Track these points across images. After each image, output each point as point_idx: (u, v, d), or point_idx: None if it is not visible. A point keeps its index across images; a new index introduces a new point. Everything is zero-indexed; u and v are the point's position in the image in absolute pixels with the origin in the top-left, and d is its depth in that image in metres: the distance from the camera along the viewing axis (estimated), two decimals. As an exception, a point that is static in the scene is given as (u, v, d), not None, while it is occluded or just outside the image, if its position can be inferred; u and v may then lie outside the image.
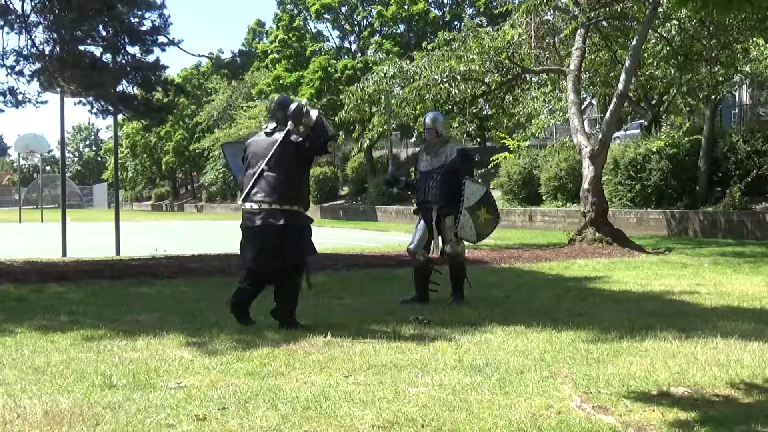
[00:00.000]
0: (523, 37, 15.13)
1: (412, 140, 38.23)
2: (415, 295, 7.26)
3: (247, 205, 5.87)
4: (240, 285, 6.00)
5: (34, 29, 11.29)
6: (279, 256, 5.81)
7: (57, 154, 65.59)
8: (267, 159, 5.81)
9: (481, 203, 7.02)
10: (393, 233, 20.61)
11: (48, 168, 68.55)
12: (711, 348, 4.92)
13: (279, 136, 5.90)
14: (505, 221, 22.88)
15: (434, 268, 7.28)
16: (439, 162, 7.18)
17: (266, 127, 6.05)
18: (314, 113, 6.00)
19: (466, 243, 7.27)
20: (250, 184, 5.84)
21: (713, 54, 15.14)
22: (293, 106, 5.96)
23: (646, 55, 15.92)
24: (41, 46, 11.32)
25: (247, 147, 6.10)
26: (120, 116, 14.28)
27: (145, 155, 59.58)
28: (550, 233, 18.53)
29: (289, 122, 5.90)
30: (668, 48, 15.58)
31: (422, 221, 7.23)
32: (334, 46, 37.02)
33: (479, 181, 7.72)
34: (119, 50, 11.47)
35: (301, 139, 5.89)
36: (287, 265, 5.86)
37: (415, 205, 7.52)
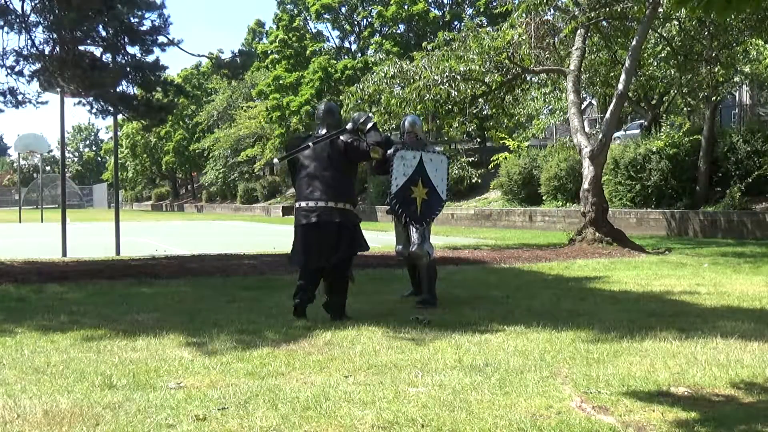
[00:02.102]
0: (523, 37, 15.12)
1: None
2: (413, 289, 7.50)
3: (304, 204, 6.19)
4: (299, 284, 6.24)
5: (34, 29, 11.30)
6: (334, 252, 6.13)
7: (57, 154, 65.66)
8: (322, 160, 6.18)
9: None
10: (393, 233, 20.56)
11: (48, 168, 68.56)
12: (711, 348, 4.92)
13: (338, 139, 6.27)
14: (505, 221, 22.91)
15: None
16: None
17: (317, 132, 6.38)
18: (370, 123, 6.43)
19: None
20: (306, 184, 6.19)
21: (713, 54, 15.14)
22: (357, 115, 6.48)
23: (646, 55, 15.93)
24: (41, 46, 11.32)
25: (297, 151, 6.41)
26: (120, 116, 14.27)
27: (145, 155, 59.62)
28: (550, 233, 18.53)
29: (349, 124, 6.32)
30: (668, 48, 15.59)
31: (396, 222, 7.47)
32: (334, 46, 37.06)
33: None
34: (119, 50, 11.46)
35: (350, 141, 6.22)
36: (341, 260, 6.18)
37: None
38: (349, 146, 6.21)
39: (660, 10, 13.45)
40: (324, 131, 6.32)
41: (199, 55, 38.67)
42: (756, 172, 16.20)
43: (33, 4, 11.17)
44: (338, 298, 6.23)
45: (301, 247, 6.26)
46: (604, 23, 15.15)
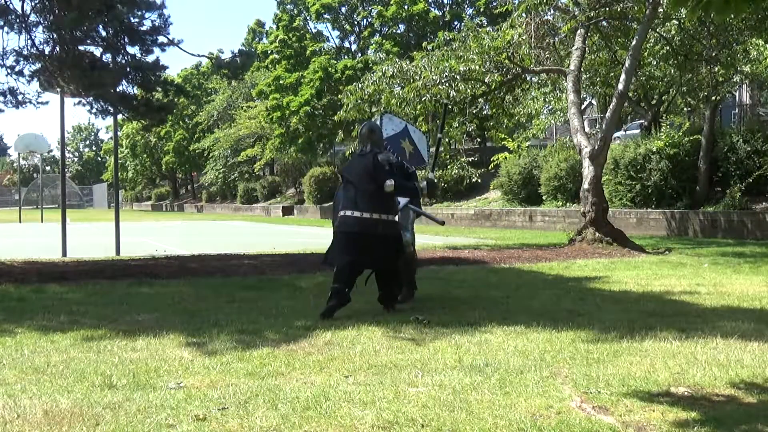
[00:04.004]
0: (523, 37, 15.12)
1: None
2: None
3: (357, 214, 6.59)
4: (335, 287, 6.50)
5: (34, 29, 11.29)
6: (383, 258, 6.62)
7: (57, 154, 65.65)
8: (369, 176, 6.63)
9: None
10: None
11: (48, 168, 68.57)
12: (711, 348, 4.92)
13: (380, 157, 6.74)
14: (505, 221, 22.92)
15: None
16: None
17: (362, 150, 6.79)
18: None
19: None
20: (354, 197, 6.61)
21: (713, 54, 15.14)
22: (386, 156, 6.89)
23: (646, 54, 15.92)
24: (41, 46, 11.32)
25: (347, 165, 7.05)
26: (120, 116, 14.27)
27: (145, 155, 59.62)
28: (550, 233, 18.53)
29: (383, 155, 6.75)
30: (668, 48, 15.57)
31: None
32: (334, 46, 37.04)
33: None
34: (119, 50, 11.46)
35: (381, 163, 6.68)
36: (391, 264, 6.70)
37: None
38: (378, 167, 6.66)
39: (660, 9, 13.45)
40: (369, 148, 6.76)
41: (199, 55, 38.73)
42: (756, 172, 16.20)
43: (33, 4, 11.17)
44: (394, 290, 6.80)
45: (346, 252, 6.61)
46: (604, 23, 15.15)
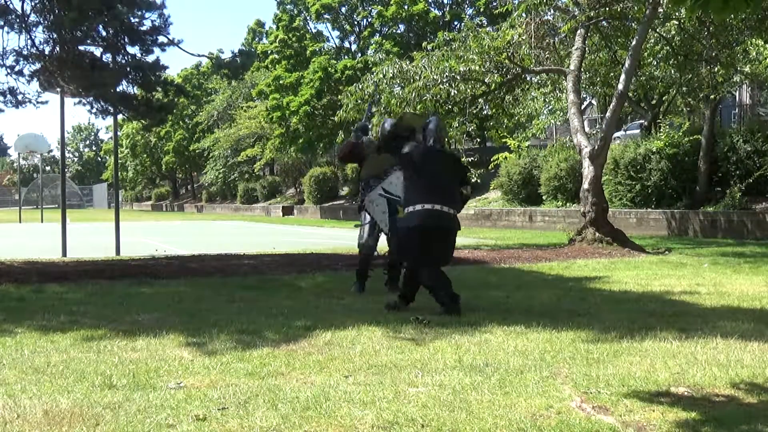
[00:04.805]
0: (523, 37, 15.12)
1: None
2: (359, 283, 7.98)
3: (437, 207, 6.46)
4: (444, 283, 6.47)
5: (34, 29, 11.29)
6: (451, 253, 6.72)
7: (57, 154, 65.62)
8: (454, 172, 6.71)
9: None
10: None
11: (48, 168, 68.55)
12: (711, 348, 4.92)
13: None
14: (505, 221, 22.92)
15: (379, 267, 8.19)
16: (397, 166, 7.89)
17: (433, 144, 6.72)
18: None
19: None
20: (434, 190, 6.49)
21: (713, 54, 15.13)
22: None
23: (646, 55, 15.91)
24: (41, 46, 11.31)
25: (419, 156, 6.65)
26: (120, 116, 14.27)
27: (145, 155, 59.61)
28: (550, 233, 18.53)
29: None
30: (668, 48, 15.57)
31: (365, 215, 7.96)
32: (334, 46, 37.03)
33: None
34: (119, 50, 11.46)
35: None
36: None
37: (364, 203, 8.04)
38: (464, 166, 7.10)
39: (660, 10, 13.45)
40: (438, 144, 6.73)
41: (199, 55, 38.84)
42: (756, 172, 16.20)
43: (33, 4, 11.17)
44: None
45: (424, 247, 6.53)
46: (604, 23, 15.14)
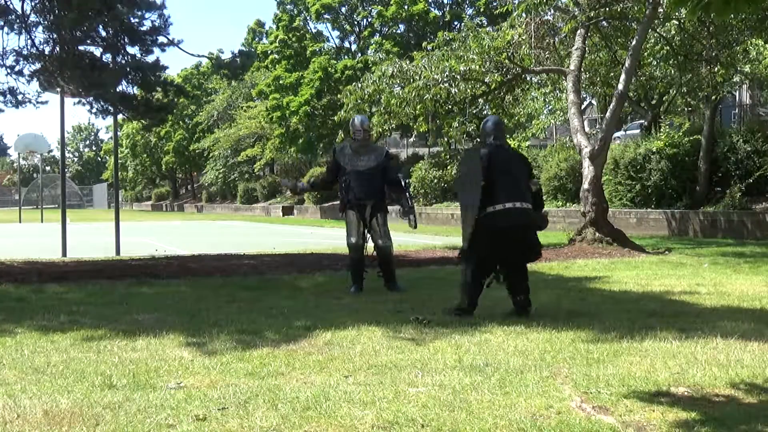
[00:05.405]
0: (523, 37, 15.12)
1: (412, 140, 38.27)
2: (357, 285, 8.01)
3: (518, 204, 6.39)
4: (483, 283, 6.48)
5: (34, 29, 11.29)
6: (531, 250, 6.61)
7: (57, 154, 65.55)
8: (520, 170, 6.63)
9: None
10: (392, 233, 20.55)
11: (48, 168, 68.56)
12: (711, 348, 4.92)
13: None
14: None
15: (370, 267, 8.14)
16: (374, 161, 8.00)
17: (499, 143, 6.66)
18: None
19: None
20: (512, 188, 6.40)
21: (713, 54, 15.13)
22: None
23: (646, 55, 15.91)
24: (41, 46, 11.32)
25: (490, 156, 6.48)
26: (120, 116, 14.28)
27: (145, 155, 59.56)
28: (550, 233, 18.44)
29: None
30: (668, 48, 15.57)
31: (355, 216, 8.01)
32: (334, 46, 37.03)
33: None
34: (119, 50, 11.46)
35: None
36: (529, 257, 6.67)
37: (346, 202, 8.10)
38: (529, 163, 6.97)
39: (660, 10, 13.45)
40: (496, 141, 6.64)
41: (199, 55, 38.84)
42: (756, 172, 16.19)
43: (33, 4, 11.17)
44: (528, 291, 6.67)
45: (502, 247, 6.45)
46: (604, 23, 15.14)
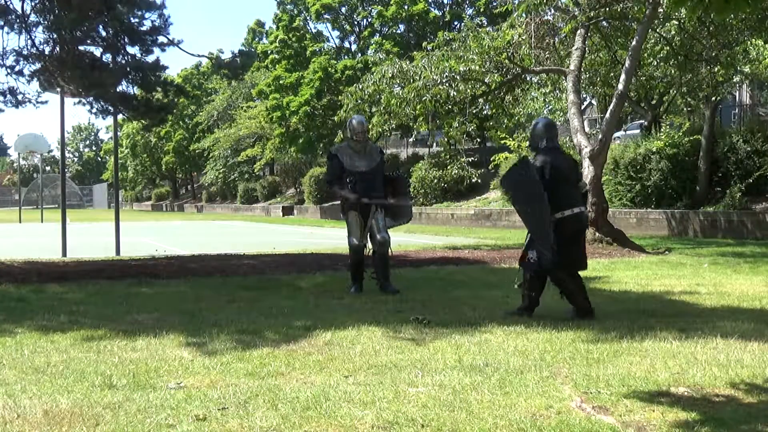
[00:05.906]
0: (523, 37, 15.12)
1: (411, 140, 38.26)
2: (357, 285, 8.01)
3: (583, 209, 6.47)
4: (528, 292, 6.53)
5: (34, 29, 11.29)
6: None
7: (57, 154, 65.60)
8: (576, 173, 6.71)
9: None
10: (392, 233, 20.56)
11: (48, 168, 68.57)
12: (711, 348, 4.92)
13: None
14: (505, 221, 22.90)
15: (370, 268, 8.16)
16: (373, 161, 8.11)
17: (552, 145, 6.58)
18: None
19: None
20: (575, 193, 6.45)
21: (713, 54, 15.13)
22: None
23: (646, 55, 15.91)
24: (41, 46, 11.31)
25: (551, 165, 6.38)
26: (120, 116, 14.28)
27: (145, 155, 59.58)
28: (550, 233, 18.48)
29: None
30: (668, 48, 15.57)
31: (356, 217, 8.01)
32: (334, 46, 37.03)
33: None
34: (119, 50, 11.45)
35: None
36: None
37: (351, 202, 8.04)
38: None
39: (660, 9, 13.45)
40: (549, 144, 6.56)
41: (199, 55, 38.83)
42: (756, 172, 16.19)
43: (33, 4, 11.17)
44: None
45: (573, 251, 6.42)
46: (604, 23, 15.14)
